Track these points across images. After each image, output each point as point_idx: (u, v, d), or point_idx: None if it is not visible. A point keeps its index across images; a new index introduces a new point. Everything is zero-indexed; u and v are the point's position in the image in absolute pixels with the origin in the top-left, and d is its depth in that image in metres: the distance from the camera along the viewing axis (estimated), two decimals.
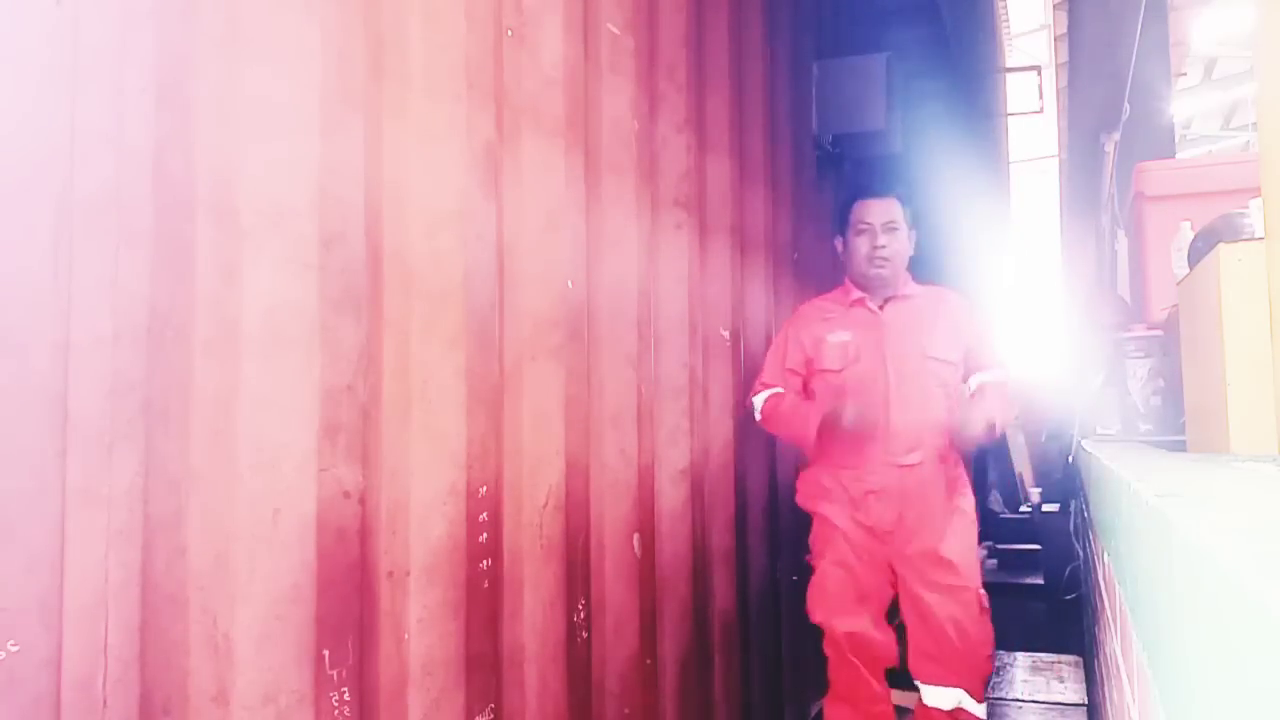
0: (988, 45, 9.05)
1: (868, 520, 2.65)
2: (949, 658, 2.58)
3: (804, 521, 3.45)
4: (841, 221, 2.81)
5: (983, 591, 2.65)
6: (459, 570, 1.54)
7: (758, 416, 2.80)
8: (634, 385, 2.20)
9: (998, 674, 4.25)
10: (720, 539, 2.74)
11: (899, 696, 2.85)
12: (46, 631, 1.05)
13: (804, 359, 2.76)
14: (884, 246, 2.69)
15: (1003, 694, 3.96)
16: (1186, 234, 2.99)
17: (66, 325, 1.09)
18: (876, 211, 2.71)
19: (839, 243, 2.82)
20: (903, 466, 2.62)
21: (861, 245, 2.71)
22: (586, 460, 2.00)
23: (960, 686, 2.58)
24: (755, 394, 2.82)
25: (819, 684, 3.65)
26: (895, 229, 2.71)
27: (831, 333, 2.73)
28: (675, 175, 2.52)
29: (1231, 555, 0.54)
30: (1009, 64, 11.68)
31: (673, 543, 2.43)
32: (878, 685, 2.68)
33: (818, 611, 2.72)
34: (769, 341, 3.23)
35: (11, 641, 1.01)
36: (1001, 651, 4.57)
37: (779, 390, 2.77)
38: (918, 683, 2.66)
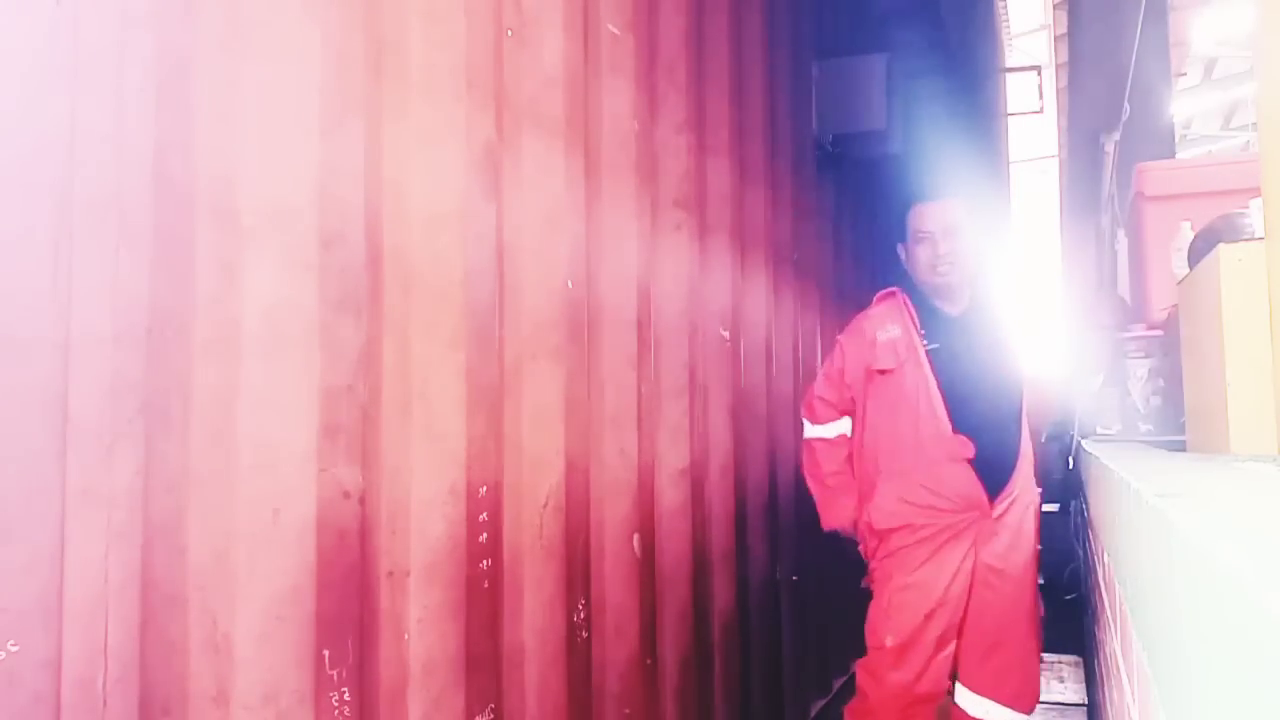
0: (988, 45, 9.04)
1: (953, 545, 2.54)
2: (990, 665, 2.52)
3: (804, 521, 3.44)
4: (901, 226, 2.68)
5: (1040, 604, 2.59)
6: (459, 570, 1.54)
7: (806, 436, 2.77)
8: (634, 385, 2.20)
9: None
10: (720, 539, 2.74)
11: None
12: (46, 631, 1.05)
13: (864, 369, 2.65)
14: (947, 252, 2.57)
15: None
16: (1186, 234, 2.99)
17: (66, 325, 1.09)
18: (935, 216, 2.60)
19: (901, 249, 2.69)
20: (990, 498, 2.54)
21: (922, 253, 2.59)
22: (586, 460, 2.00)
23: (994, 699, 2.52)
24: (814, 414, 2.74)
25: (819, 684, 3.65)
26: (956, 232, 2.59)
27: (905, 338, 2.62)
28: (675, 175, 2.52)
29: (1231, 555, 0.54)
30: (1009, 64, 11.68)
31: (673, 543, 2.43)
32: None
33: (882, 635, 2.52)
34: (769, 341, 3.23)
35: (11, 641, 1.01)
36: None
37: (833, 436, 2.72)
38: (959, 684, 2.57)
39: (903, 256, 2.70)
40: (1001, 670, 2.52)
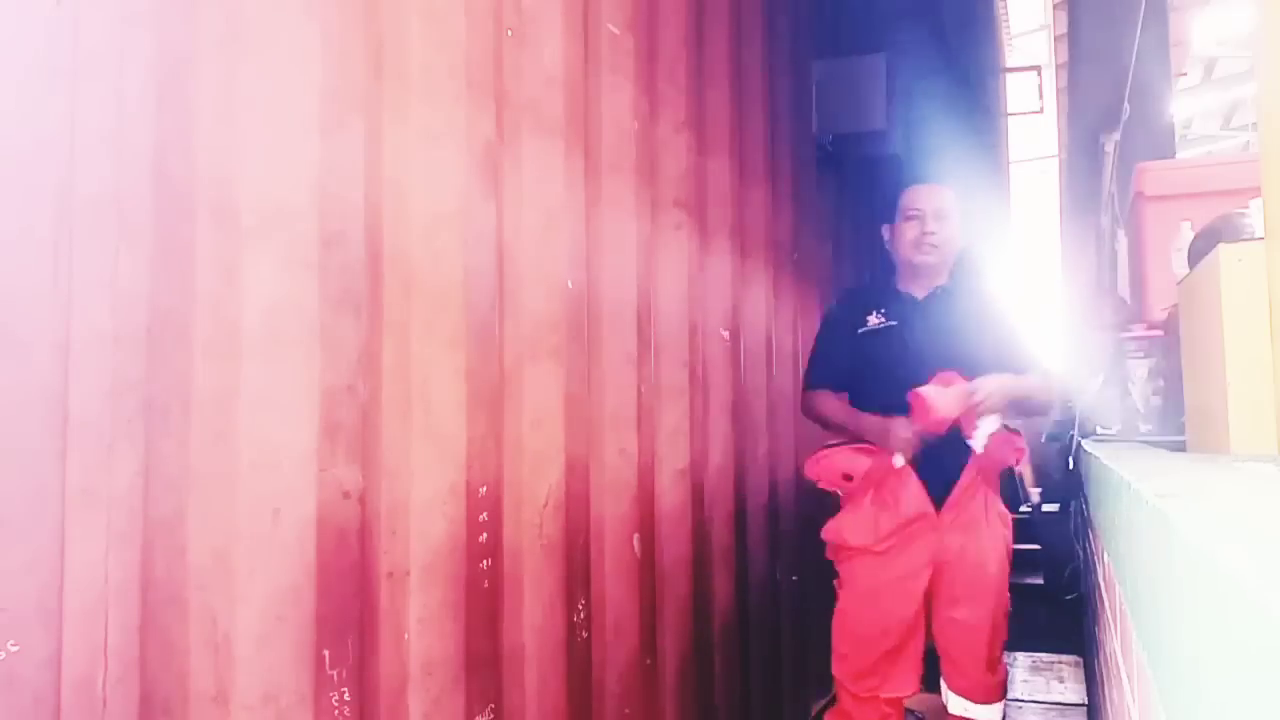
0: (988, 45, 9.05)
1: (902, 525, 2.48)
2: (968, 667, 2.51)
3: (805, 522, 3.43)
4: (890, 208, 2.67)
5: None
6: (459, 570, 1.54)
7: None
8: (634, 385, 2.20)
9: None
10: (720, 539, 2.74)
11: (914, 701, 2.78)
12: (46, 631, 1.05)
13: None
14: (933, 233, 2.56)
15: None
16: (1186, 234, 2.99)
17: (66, 325, 1.09)
18: (927, 197, 2.61)
19: (886, 230, 2.68)
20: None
21: (909, 231, 2.58)
22: (586, 460, 2.00)
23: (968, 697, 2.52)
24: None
25: (819, 684, 3.65)
26: (946, 216, 2.59)
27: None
28: (675, 175, 2.52)
29: (1231, 555, 0.54)
30: (1009, 64, 11.68)
31: (673, 543, 2.43)
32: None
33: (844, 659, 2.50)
34: (769, 341, 3.23)
35: (11, 641, 1.01)
36: None
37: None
38: (948, 690, 2.55)
39: (886, 237, 2.68)
40: (975, 670, 2.50)
